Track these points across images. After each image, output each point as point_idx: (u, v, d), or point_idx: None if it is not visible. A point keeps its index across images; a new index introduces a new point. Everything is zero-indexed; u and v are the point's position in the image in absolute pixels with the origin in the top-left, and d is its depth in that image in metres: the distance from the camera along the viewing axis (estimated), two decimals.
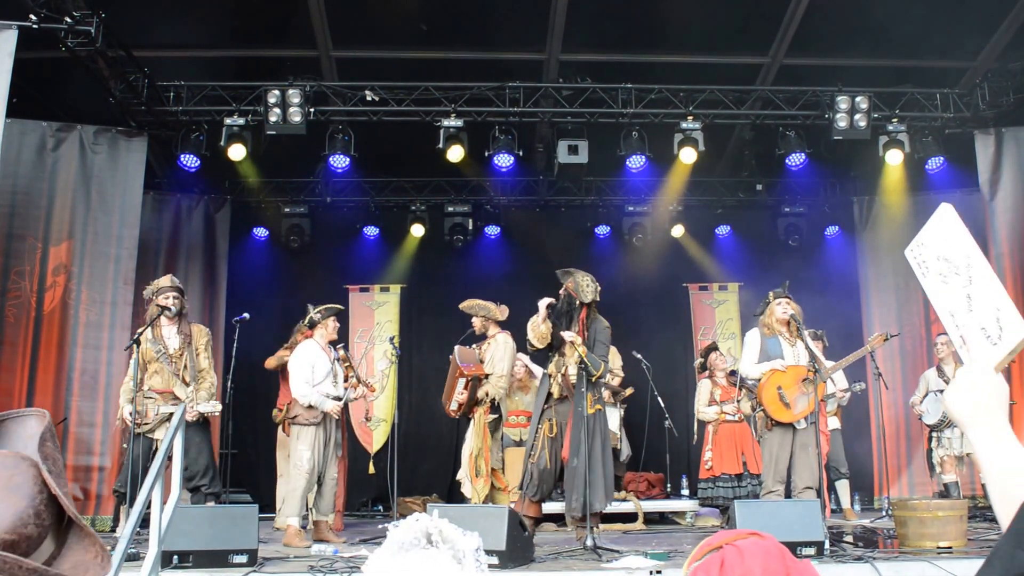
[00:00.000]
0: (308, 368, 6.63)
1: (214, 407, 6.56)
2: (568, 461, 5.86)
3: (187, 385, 6.55)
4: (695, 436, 8.99)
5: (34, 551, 1.25)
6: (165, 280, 6.77)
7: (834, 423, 8.53)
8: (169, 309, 6.58)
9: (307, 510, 7.03)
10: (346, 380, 6.95)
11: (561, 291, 6.17)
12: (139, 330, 6.47)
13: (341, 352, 7.15)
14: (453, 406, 7.30)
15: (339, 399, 6.75)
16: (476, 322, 7.57)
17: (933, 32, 8.54)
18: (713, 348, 8.77)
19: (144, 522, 4.42)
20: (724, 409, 8.14)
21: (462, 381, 7.26)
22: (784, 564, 2.65)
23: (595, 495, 5.77)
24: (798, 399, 6.40)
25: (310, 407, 6.53)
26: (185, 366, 6.59)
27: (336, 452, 6.82)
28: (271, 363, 8.11)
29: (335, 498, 6.95)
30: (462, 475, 7.41)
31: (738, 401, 7.78)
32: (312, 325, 6.97)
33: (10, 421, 1.33)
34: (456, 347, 7.42)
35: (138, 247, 8.38)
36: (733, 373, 7.96)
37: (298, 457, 6.50)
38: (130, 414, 6.19)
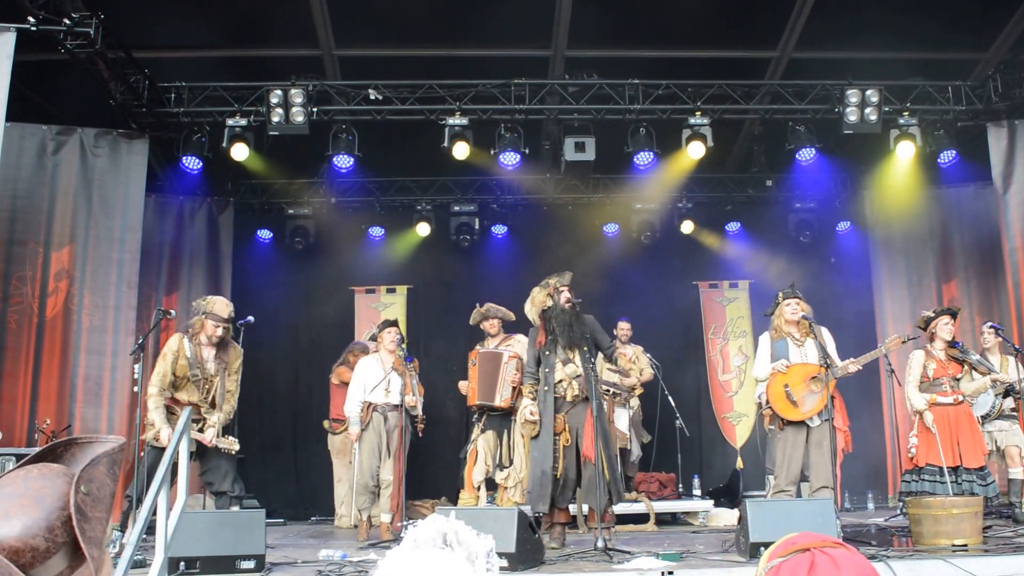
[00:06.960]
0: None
1: (231, 443, 6.39)
2: (594, 459, 5.87)
3: (213, 407, 6.43)
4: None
5: (39, 564, 1.26)
6: (222, 307, 6.37)
7: None
8: (186, 321, 6.51)
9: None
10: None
11: (546, 293, 6.24)
12: (142, 336, 6.35)
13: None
14: (508, 392, 7.27)
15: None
16: (493, 324, 7.71)
17: (944, 24, 8.43)
18: (948, 312, 7.12)
19: (151, 528, 4.33)
20: (936, 392, 6.86)
21: (512, 363, 7.34)
22: None
23: (616, 490, 5.92)
24: (806, 397, 6.33)
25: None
26: (216, 389, 6.46)
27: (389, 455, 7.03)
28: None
29: (390, 499, 7.03)
30: (514, 480, 7.36)
31: (957, 379, 6.88)
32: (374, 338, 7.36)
33: (97, 443, 1.41)
34: (481, 350, 7.59)
35: (141, 250, 8.31)
36: (955, 345, 7.02)
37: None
38: (139, 422, 6.08)
